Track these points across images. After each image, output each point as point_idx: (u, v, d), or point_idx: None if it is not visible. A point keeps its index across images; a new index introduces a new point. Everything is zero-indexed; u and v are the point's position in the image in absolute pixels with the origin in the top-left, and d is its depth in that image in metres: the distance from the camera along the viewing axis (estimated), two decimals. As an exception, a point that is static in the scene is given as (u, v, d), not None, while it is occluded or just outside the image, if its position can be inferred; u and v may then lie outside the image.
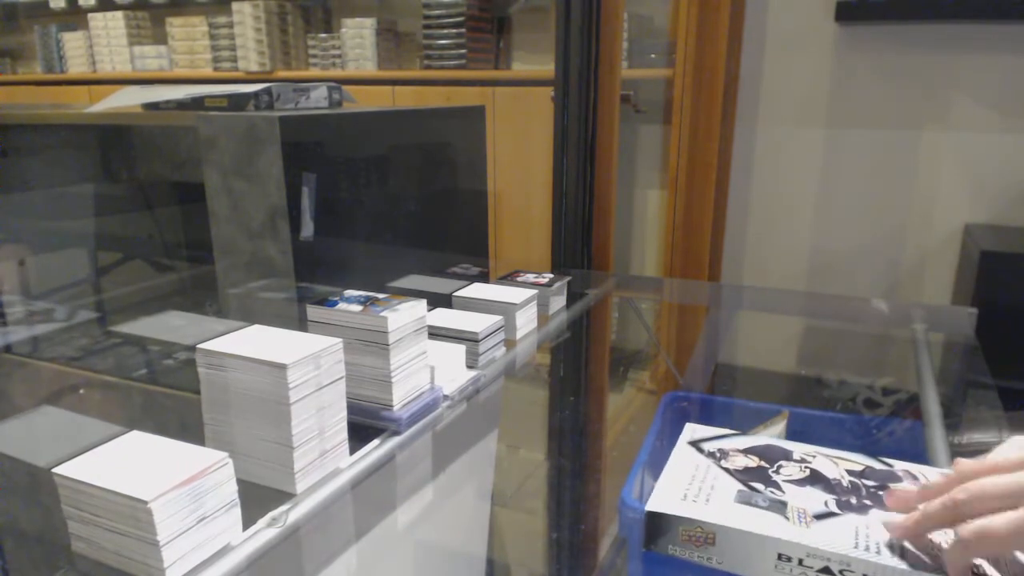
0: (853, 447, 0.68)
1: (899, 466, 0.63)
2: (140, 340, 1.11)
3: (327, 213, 0.92)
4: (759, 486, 0.60)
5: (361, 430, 0.80)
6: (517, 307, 1.12)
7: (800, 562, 0.52)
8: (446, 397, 0.91)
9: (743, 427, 0.82)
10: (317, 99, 1.10)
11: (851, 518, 0.55)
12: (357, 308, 0.81)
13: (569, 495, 0.90)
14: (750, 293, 1.93)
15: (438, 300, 1.13)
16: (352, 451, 0.77)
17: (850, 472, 0.62)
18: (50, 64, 3.73)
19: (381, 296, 0.84)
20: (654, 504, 0.58)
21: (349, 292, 0.86)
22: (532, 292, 1.17)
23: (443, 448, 0.87)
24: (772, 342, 1.38)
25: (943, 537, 0.50)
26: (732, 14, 2.00)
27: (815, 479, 0.61)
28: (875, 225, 2.13)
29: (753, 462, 0.64)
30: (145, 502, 0.54)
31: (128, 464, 0.59)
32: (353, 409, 0.76)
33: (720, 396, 1.00)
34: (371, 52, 2.88)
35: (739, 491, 0.59)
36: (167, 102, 1.03)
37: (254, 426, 0.69)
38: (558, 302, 1.29)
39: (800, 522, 0.54)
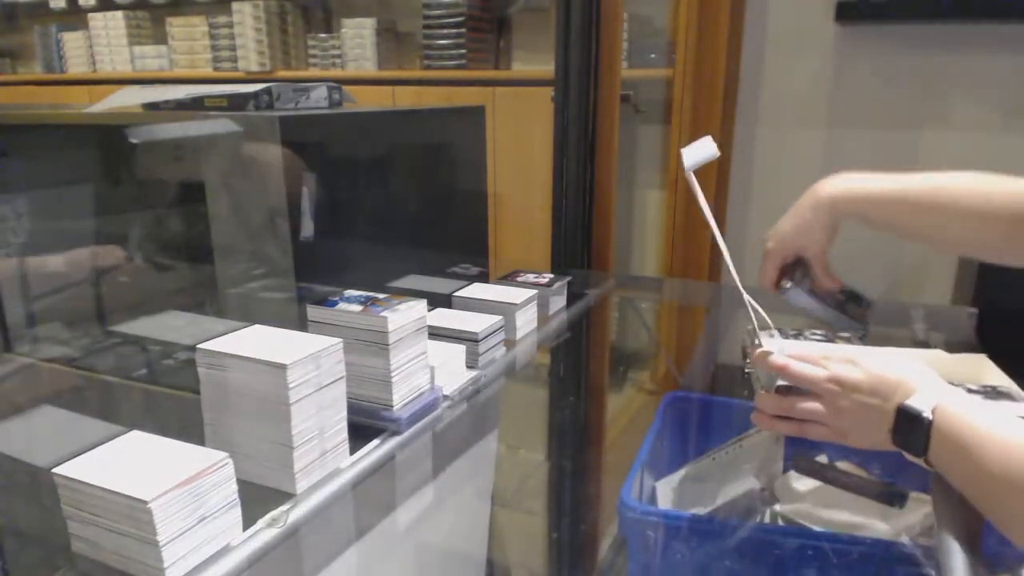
0: (853, 447, 0.68)
1: None
2: (140, 340, 1.11)
3: (327, 213, 0.92)
4: None
5: (361, 430, 0.80)
6: (517, 307, 1.12)
7: None
8: (446, 397, 0.91)
9: (743, 427, 0.83)
10: (317, 99, 1.10)
11: None
12: (357, 308, 0.81)
13: (569, 495, 0.90)
14: (750, 293, 1.91)
15: (438, 300, 1.13)
16: (352, 451, 0.77)
17: None
18: (50, 64, 3.72)
19: (381, 296, 0.84)
20: None
21: (349, 292, 0.86)
22: (532, 292, 1.17)
23: (443, 448, 0.87)
24: (772, 342, 1.38)
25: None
26: (732, 14, 2.00)
27: None
28: (875, 225, 2.12)
29: None
30: (145, 502, 0.54)
31: (128, 464, 0.59)
32: (353, 409, 0.76)
33: (720, 396, 1.00)
34: (371, 52, 2.87)
35: None
36: (167, 102, 1.03)
37: (254, 426, 0.69)
38: (558, 302, 1.29)
39: None
